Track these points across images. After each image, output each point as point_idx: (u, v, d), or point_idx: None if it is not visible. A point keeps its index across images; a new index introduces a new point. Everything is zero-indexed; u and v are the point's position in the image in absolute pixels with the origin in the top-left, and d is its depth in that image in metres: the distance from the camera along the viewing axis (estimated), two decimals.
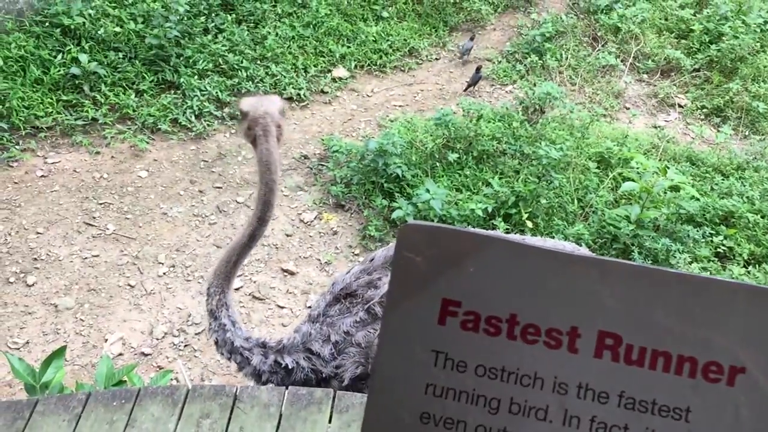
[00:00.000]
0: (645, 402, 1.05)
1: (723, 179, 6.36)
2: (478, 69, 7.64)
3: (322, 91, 7.38)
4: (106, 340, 4.55)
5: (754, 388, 1.01)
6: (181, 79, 6.76)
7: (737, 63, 8.07)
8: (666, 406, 1.04)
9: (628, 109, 7.73)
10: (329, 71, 7.62)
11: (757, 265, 5.38)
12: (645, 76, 8.25)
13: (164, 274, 5.07)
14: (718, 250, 5.45)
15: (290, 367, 2.71)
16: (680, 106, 7.84)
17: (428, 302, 1.13)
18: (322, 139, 6.59)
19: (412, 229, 1.12)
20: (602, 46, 8.49)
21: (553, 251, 1.09)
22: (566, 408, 1.08)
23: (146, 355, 4.50)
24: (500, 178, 5.92)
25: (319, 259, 5.36)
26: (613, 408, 1.06)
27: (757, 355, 1.01)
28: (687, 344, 1.03)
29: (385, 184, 5.85)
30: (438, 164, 6.15)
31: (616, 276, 1.06)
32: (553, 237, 5.36)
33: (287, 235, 5.54)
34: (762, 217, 5.79)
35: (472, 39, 8.19)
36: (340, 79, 7.57)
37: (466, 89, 7.65)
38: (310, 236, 5.57)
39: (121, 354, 4.48)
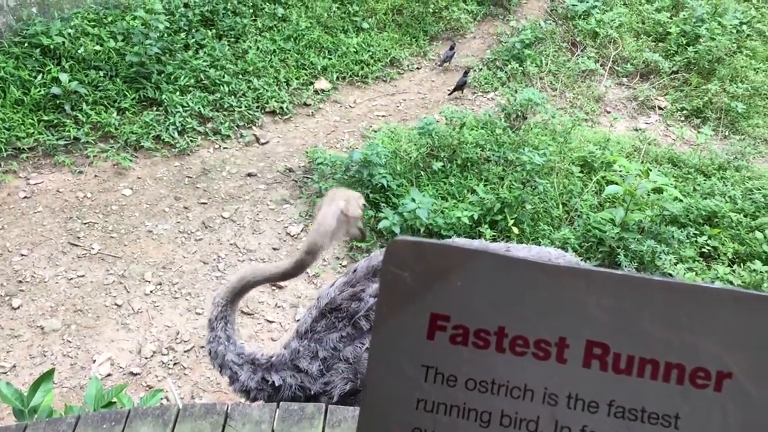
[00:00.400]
0: (634, 410, 1.06)
1: (705, 180, 6.43)
2: (466, 72, 7.70)
3: (305, 104, 7.39)
4: (95, 361, 4.50)
5: (741, 393, 1.01)
6: (163, 96, 6.74)
7: (715, 64, 8.18)
8: (655, 413, 1.05)
9: (609, 112, 7.80)
10: (311, 83, 7.64)
11: (741, 264, 5.43)
12: (624, 79, 8.34)
13: (151, 292, 5.04)
14: (703, 250, 5.49)
15: (277, 384, 2.70)
16: (660, 108, 7.92)
17: (417, 317, 1.13)
18: (306, 152, 6.59)
19: (399, 245, 1.12)
20: (581, 51, 8.57)
21: (540, 263, 1.10)
22: (557, 419, 1.08)
23: (135, 374, 4.46)
24: (485, 185, 5.94)
25: (307, 272, 5.35)
26: (603, 417, 1.07)
27: (744, 360, 1.02)
28: (674, 351, 1.04)
29: (371, 195, 5.85)
30: (423, 173, 6.17)
31: (602, 285, 1.07)
32: (539, 243, 5.38)
33: (274, 249, 5.52)
34: (745, 216, 5.85)
35: (452, 48, 8.24)
36: (323, 91, 7.59)
37: (451, 93, 7.69)
38: (298, 249, 5.54)
39: (109, 374, 4.44)
